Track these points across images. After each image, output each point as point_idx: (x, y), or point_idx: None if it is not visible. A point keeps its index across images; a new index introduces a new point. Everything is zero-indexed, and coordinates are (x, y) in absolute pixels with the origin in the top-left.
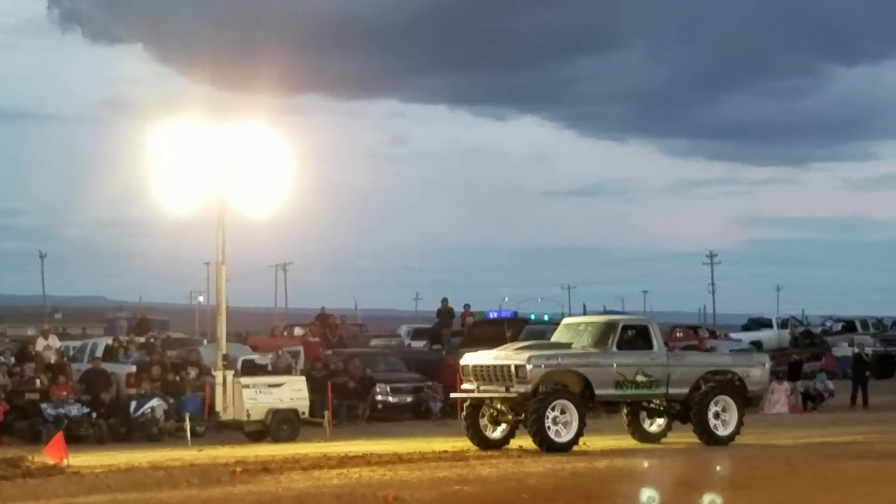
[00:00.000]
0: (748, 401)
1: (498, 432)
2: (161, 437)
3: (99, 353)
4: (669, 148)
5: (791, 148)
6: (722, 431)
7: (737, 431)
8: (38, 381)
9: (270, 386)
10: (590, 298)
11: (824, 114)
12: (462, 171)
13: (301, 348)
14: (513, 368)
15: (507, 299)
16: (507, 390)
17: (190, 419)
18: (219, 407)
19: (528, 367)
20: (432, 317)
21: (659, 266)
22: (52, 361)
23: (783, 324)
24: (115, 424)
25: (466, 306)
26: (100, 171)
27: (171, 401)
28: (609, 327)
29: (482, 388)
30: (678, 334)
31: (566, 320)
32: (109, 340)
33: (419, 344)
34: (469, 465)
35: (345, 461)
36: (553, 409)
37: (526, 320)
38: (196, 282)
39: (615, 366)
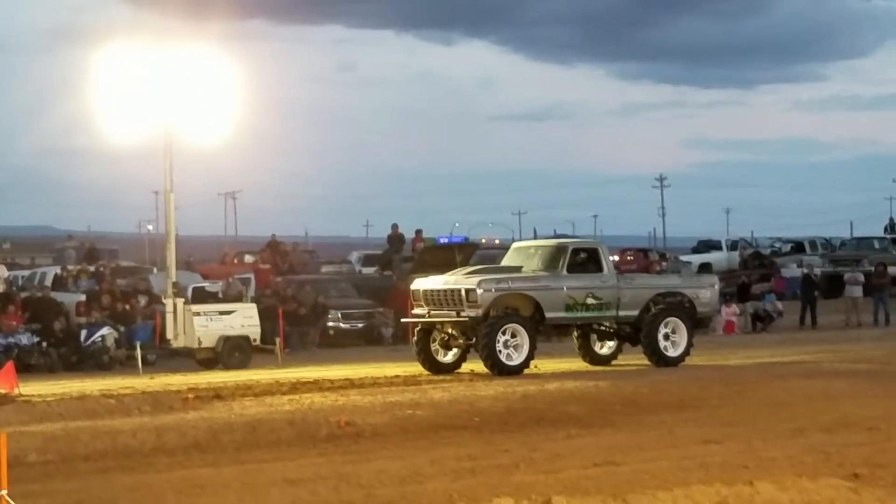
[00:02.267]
0: (698, 322)
1: (449, 357)
2: (112, 365)
3: (48, 282)
4: (617, 71)
5: (739, 70)
6: (672, 353)
7: (686, 353)
8: None
9: (221, 313)
10: (540, 223)
11: (772, 35)
12: (411, 97)
13: (252, 276)
14: (463, 292)
15: (457, 224)
16: (458, 315)
17: (141, 347)
18: (170, 335)
19: (479, 291)
20: (383, 243)
21: (609, 190)
22: (1, 291)
23: (732, 246)
24: (65, 353)
25: (418, 232)
26: (46, 100)
27: (122, 329)
28: (559, 250)
29: (433, 312)
30: (629, 257)
31: (516, 244)
32: (58, 269)
33: (370, 270)
34: (421, 389)
35: (297, 387)
36: (504, 333)
37: (476, 245)
38: (145, 210)
39: (565, 289)
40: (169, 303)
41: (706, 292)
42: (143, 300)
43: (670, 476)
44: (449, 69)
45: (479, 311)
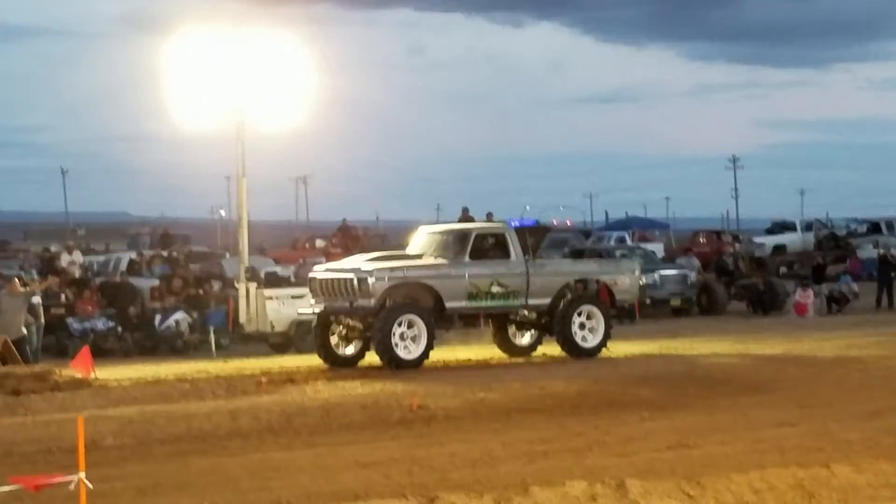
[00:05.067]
0: (770, 305)
1: (350, 349)
2: (186, 349)
3: (123, 268)
4: (688, 52)
5: (813, 49)
6: (587, 343)
7: (603, 343)
8: (63, 297)
9: (294, 297)
10: (611, 206)
11: (846, 13)
12: (479, 80)
13: (323, 260)
14: (356, 282)
15: (528, 208)
16: (352, 305)
17: (214, 332)
18: (243, 319)
19: (371, 280)
20: None
21: (681, 172)
22: (77, 277)
23: (807, 227)
24: (140, 338)
25: (489, 215)
26: (119, 87)
27: (195, 314)
28: (463, 236)
29: (329, 303)
30: (701, 239)
31: (423, 228)
32: (133, 255)
33: None
34: (493, 372)
35: (369, 371)
36: (399, 325)
37: (548, 228)
38: (217, 196)
39: (467, 276)
40: (242, 287)
41: (625, 279)
42: (216, 285)
43: (745, 459)
44: (518, 52)
45: (373, 302)
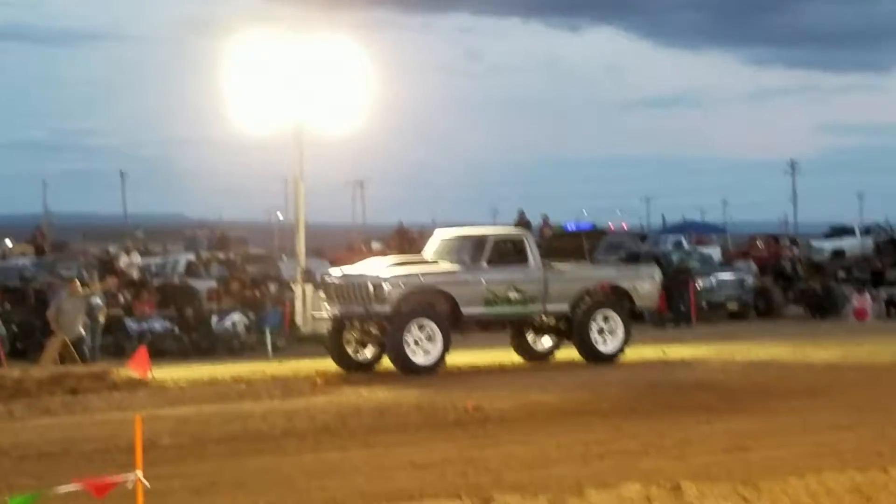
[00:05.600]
0: (826, 310)
1: (366, 354)
2: (242, 350)
3: (180, 269)
4: (747, 56)
5: (872, 53)
6: (605, 347)
7: (622, 348)
8: (121, 298)
9: None
10: (668, 209)
11: None
12: (537, 85)
13: None
14: (371, 287)
15: (585, 211)
16: (367, 311)
17: (270, 333)
18: (299, 320)
19: (386, 286)
20: None
21: (738, 176)
22: (135, 278)
23: (866, 231)
24: (197, 339)
25: (545, 218)
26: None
27: (252, 315)
28: (479, 242)
29: (344, 308)
30: (759, 243)
31: (440, 232)
32: (191, 257)
33: None
34: (548, 374)
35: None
36: (414, 330)
37: (604, 232)
38: (275, 199)
39: (484, 282)
40: (298, 289)
41: (645, 284)
42: (272, 287)
43: (802, 462)
44: (576, 56)
45: (388, 308)
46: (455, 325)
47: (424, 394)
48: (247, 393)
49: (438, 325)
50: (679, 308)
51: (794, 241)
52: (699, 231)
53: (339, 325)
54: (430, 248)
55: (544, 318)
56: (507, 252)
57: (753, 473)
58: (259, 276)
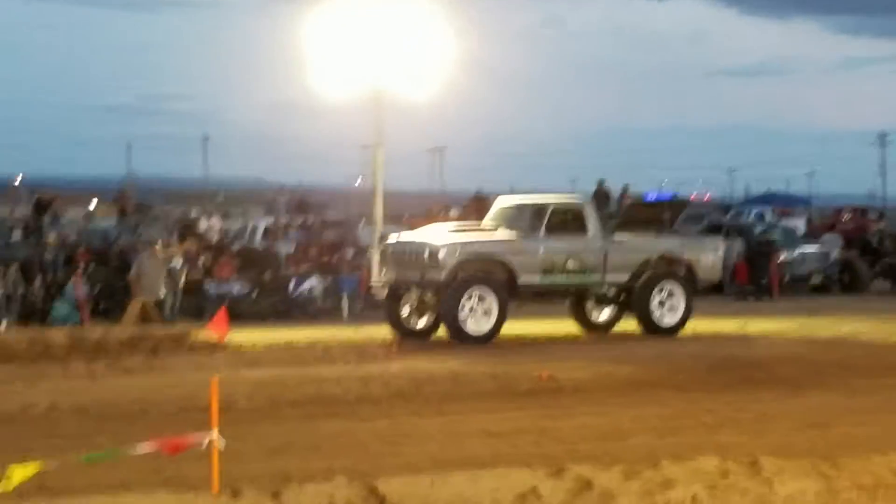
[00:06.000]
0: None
1: (422, 322)
2: (319, 315)
3: (259, 233)
4: (834, 25)
5: None
6: (666, 320)
7: (683, 322)
8: (201, 261)
9: None
10: (753, 180)
11: None
12: (618, 52)
13: None
14: (427, 255)
15: (666, 181)
16: (422, 278)
17: (347, 298)
18: (375, 286)
19: (442, 253)
20: (589, 199)
21: (825, 147)
22: (215, 241)
23: None
24: (274, 303)
25: (624, 188)
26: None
27: (329, 280)
28: (539, 210)
29: (400, 275)
30: (845, 216)
31: (500, 200)
32: (269, 221)
33: None
34: (623, 346)
35: (499, 341)
36: (469, 299)
37: (685, 202)
38: (354, 164)
39: (542, 251)
40: (375, 255)
41: (708, 256)
42: (350, 252)
43: (884, 440)
44: (659, 24)
45: (443, 275)
46: (511, 294)
47: (499, 362)
48: (322, 357)
49: (494, 294)
50: (760, 281)
51: (881, 215)
52: (783, 203)
53: (395, 291)
54: (490, 216)
55: (603, 289)
56: (566, 221)
57: (834, 450)
58: (337, 241)
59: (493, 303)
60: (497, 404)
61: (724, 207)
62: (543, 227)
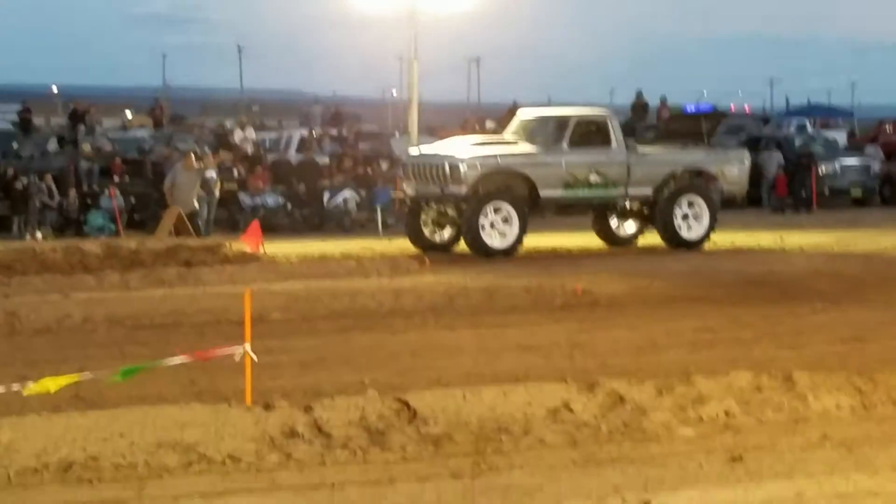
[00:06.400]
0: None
1: (443, 235)
2: (352, 227)
3: (294, 145)
4: None
5: None
6: (689, 234)
7: (707, 236)
8: (235, 172)
9: None
10: (794, 92)
11: None
12: None
13: None
14: (447, 168)
15: (705, 93)
16: (443, 192)
17: (381, 211)
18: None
19: (463, 167)
20: (627, 111)
21: (868, 58)
22: (249, 153)
23: None
24: (308, 215)
25: (663, 100)
26: None
27: (363, 193)
28: (561, 123)
29: (421, 188)
30: (887, 128)
31: (522, 112)
32: (304, 133)
33: None
34: (659, 259)
35: (533, 254)
36: (490, 213)
37: (724, 114)
38: (390, 76)
39: (564, 165)
40: None
41: (733, 168)
42: (384, 164)
43: None
44: None
45: (464, 189)
46: (533, 208)
47: (533, 276)
48: (356, 270)
49: (515, 208)
50: (800, 193)
51: None
52: (825, 115)
53: (416, 205)
54: (512, 129)
55: (627, 202)
56: (589, 134)
57: (870, 365)
58: (371, 153)
59: (513, 217)
60: (531, 318)
61: (764, 119)
62: (566, 140)
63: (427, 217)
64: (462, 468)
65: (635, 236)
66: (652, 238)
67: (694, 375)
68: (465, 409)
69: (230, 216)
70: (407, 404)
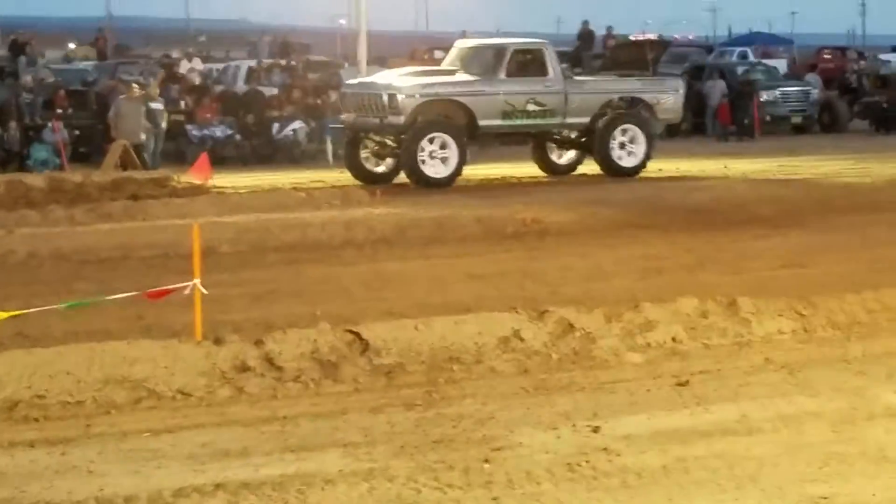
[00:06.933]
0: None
1: (382, 167)
2: (303, 159)
3: (242, 75)
4: None
5: None
6: (627, 162)
7: (643, 164)
8: (182, 103)
9: None
10: (736, 21)
11: None
12: None
13: None
14: (385, 98)
15: (650, 22)
16: (382, 122)
17: (331, 142)
18: None
19: (401, 96)
20: (573, 40)
21: None
22: (197, 84)
23: None
24: (258, 146)
25: (608, 28)
26: None
27: (313, 123)
28: (498, 52)
29: (359, 119)
30: (825, 56)
31: (459, 43)
32: (252, 63)
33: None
34: (606, 188)
35: (484, 183)
36: (429, 143)
37: (669, 42)
38: (338, 5)
39: (502, 94)
40: None
41: (668, 97)
42: (334, 95)
43: (860, 279)
44: None
45: (402, 119)
46: (472, 137)
47: (483, 206)
48: (306, 202)
49: (454, 138)
50: (742, 121)
51: (860, 54)
52: (766, 43)
53: (355, 136)
54: (450, 59)
55: (564, 131)
56: (526, 63)
57: (810, 289)
58: (321, 83)
59: (452, 147)
60: (481, 248)
61: (707, 48)
62: (503, 70)
63: (367, 148)
64: (414, 398)
65: (574, 166)
66: (591, 166)
67: (641, 302)
68: (416, 340)
69: (178, 148)
70: (359, 336)
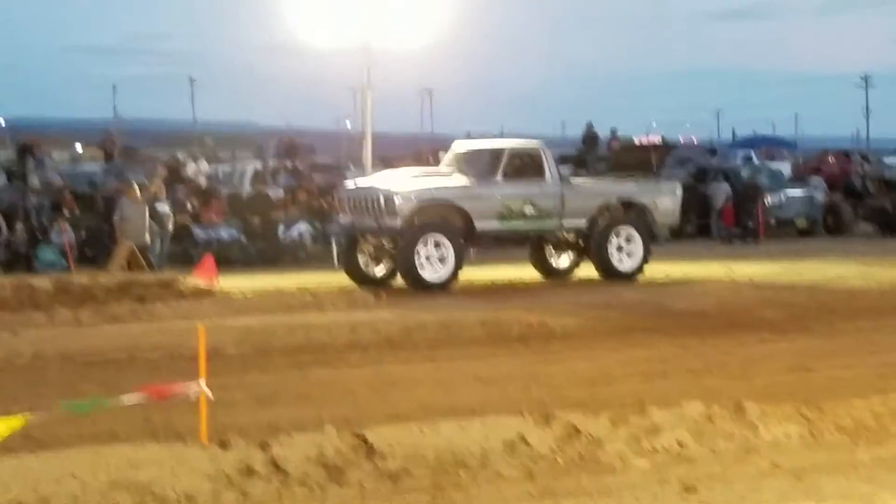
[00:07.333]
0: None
1: (380, 269)
2: (308, 261)
3: (248, 177)
4: None
5: None
6: (624, 266)
7: (640, 267)
8: (188, 205)
9: None
10: (739, 123)
11: None
12: None
13: None
14: (382, 201)
15: (654, 124)
16: (378, 224)
17: (336, 244)
18: None
19: (398, 199)
20: (578, 143)
21: (810, 90)
22: (203, 185)
23: None
24: (263, 248)
25: (613, 131)
26: None
27: (319, 225)
28: (495, 154)
29: (357, 221)
30: (829, 159)
31: (456, 144)
32: (258, 165)
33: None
34: (613, 290)
35: (490, 287)
36: (425, 245)
37: (673, 145)
38: (343, 107)
39: (499, 197)
40: None
41: (666, 200)
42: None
43: (867, 383)
44: None
45: (399, 222)
46: (468, 240)
47: (489, 309)
48: (311, 304)
49: (451, 241)
50: (747, 224)
51: (865, 158)
52: (770, 145)
53: (352, 238)
54: (447, 161)
55: (562, 234)
56: (523, 166)
57: (817, 394)
58: (326, 185)
59: (449, 250)
60: (487, 350)
61: (711, 150)
62: (500, 172)
63: (364, 250)
64: (420, 503)
65: (571, 268)
66: (589, 270)
67: (647, 406)
68: (422, 444)
69: (184, 250)
70: (364, 439)
